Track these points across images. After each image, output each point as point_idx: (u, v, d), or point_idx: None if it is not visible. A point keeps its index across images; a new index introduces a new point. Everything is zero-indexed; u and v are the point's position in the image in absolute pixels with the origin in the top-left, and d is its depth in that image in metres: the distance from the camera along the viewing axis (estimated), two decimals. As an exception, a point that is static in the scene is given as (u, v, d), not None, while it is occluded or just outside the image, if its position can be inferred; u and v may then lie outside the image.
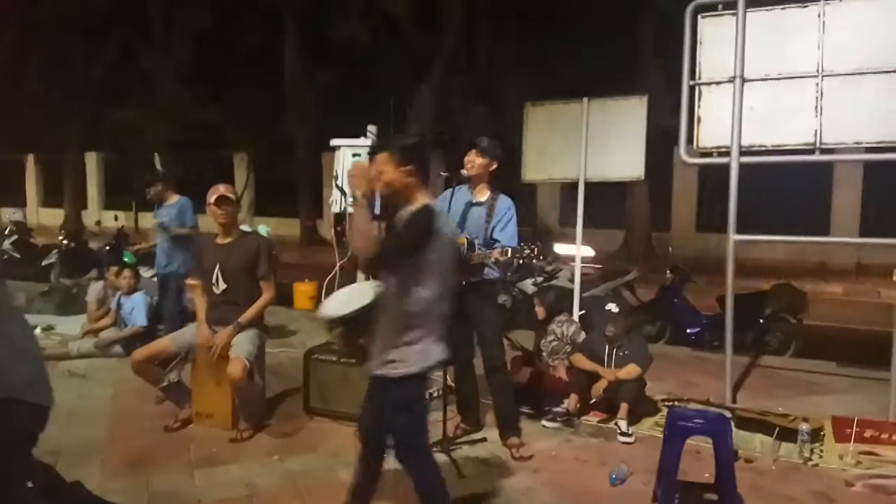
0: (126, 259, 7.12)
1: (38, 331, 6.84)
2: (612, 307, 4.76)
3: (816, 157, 4.76)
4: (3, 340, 2.13)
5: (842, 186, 14.12)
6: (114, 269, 6.75)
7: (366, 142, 5.22)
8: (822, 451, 4.13)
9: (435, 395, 4.97)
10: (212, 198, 4.39)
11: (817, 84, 4.68)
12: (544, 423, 4.62)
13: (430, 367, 2.82)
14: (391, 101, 7.43)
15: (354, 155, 5.20)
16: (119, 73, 19.15)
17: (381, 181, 2.78)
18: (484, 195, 4.21)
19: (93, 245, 11.37)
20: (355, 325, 3.41)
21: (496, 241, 4.06)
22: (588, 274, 6.67)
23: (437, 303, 2.77)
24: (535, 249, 3.85)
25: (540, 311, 5.38)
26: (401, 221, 2.78)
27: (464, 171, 4.15)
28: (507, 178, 4.48)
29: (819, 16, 4.67)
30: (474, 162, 4.14)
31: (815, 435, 4.19)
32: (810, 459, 4.00)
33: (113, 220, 18.96)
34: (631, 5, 13.87)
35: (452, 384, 4.45)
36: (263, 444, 4.29)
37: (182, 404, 4.55)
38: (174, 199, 5.92)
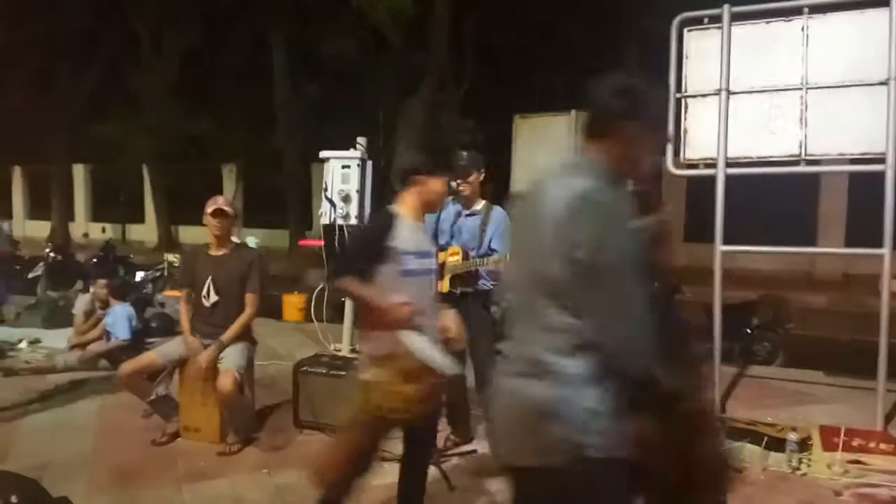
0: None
1: (24, 344, 6.79)
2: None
3: (801, 168, 4.81)
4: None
5: (828, 197, 14.26)
6: (101, 281, 6.71)
7: (355, 154, 5.22)
8: (810, 460, 4.14)
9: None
10: (209, 209, 4.39)
11: (802, 96, 4.73)
12: (534, 434, 4.61)
13: None
14: (380, 114, 7.46)
15: (344, 167, 5.20)
16: (107, 85, 19.09)
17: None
18: (478, 205, 4.25)
19: (80, 257, 11.30)
20: None
21: (494, 250, 4.09)
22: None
23: None
24: None
25: (529, 323, 5.38)
26: None
27: (452, 184, 4.17)
28: (496, 190, 4.52)
29: (803, 29, 4.73)
30: (462, 185, 4.19)
31: (804, 444, 4.21)
32: (798, 469, 4.01)
33: (101, 232, 18.92)
34: (617, 19, 14.01)
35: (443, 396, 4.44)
36: (252, 458, 4.26)
37: (170, 418, 4.51)
38: None
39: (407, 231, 2.88)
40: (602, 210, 1.70)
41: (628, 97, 1.84)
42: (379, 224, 2.90)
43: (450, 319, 3.10)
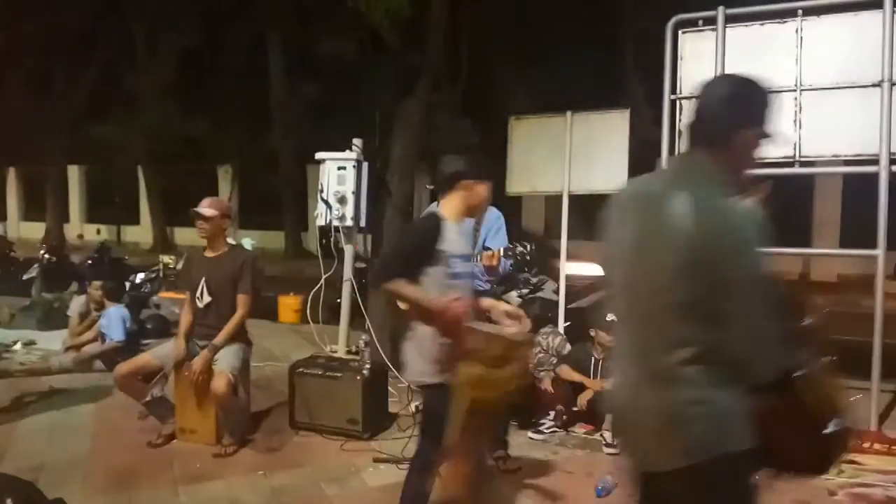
0: None
1: (18, 346, 6.77)
2: (613, 316, 4.78)
3: (796, 169, 4.83)
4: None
5: (822, 199, 14.32)
6: (95, 283, 6.70)
7: (351, 155, 5.22)
8: (804, 460, 4.15)
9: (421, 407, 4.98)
10: None
11: (796, 98, 4.76)
12: (531, 435, 4.63)
13: None
14: (376, 115, 7.46)
15: (340, 168, 5.20)
16: (103, 86, 19.05)
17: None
18: None
19: (75, 259, 11.28)
20: None
21: (488, 249, 4.08)
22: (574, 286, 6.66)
23: None
24: (528, 247, 3.85)
25: (525, 323, 5.39)
26: None
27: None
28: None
29: (797, 31, 4.76)
30: None
31: (798, 445, 4.22)
32: (793, 469, 4.02)
33: (95, 233, 18.88)
34: (613, 21, 14.04)
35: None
36: (248, 460, 4.26)
37: (165, 419, 4.50)
38: None
39: (453, 234, 2.89)
40: (733, 223, 1.74)
41: (745, 104, 1.85)
42: (428, 227, 2.90)
43: (489, 302, 3.14)
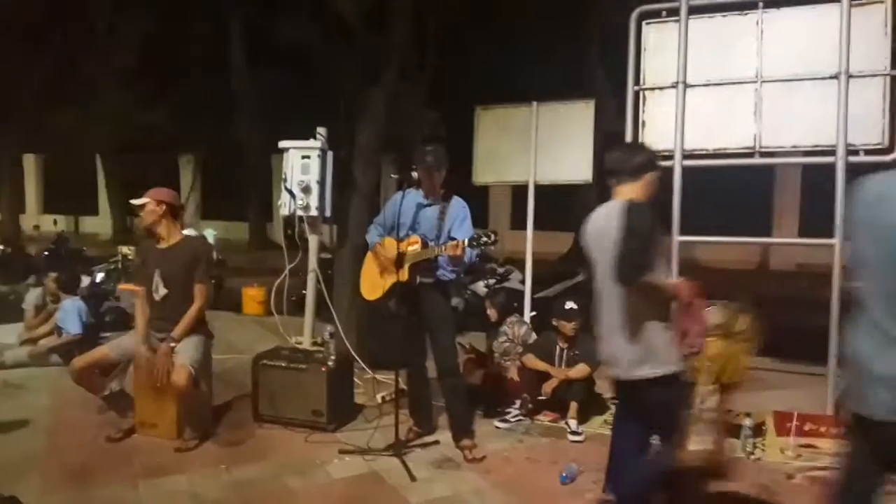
0: None
1: (-30, 340, 6.56)
2: (571, 304, 4.82)
3: (756, 160, 4.91)
4: None
5: (782, 189, 14.62)
6: (51, 275, 6.53)
7: (315, 144, 5.14)
8: (764, 445, 4.25)
9: (387, 398, 4.96)
10: None
11: (756, 89, 4.83)
12: (497, 424, 4.64)
13: None
14: (341, 104, 7.37)
15: (304, 157, 5.12)
16: (60, 73, 18.47)
17: None
18: (438, 196, 4.24)
19: (31, 250, 10.99)
20: None
21: (453, 239, 4.06)
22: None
23: None
24: (493, 236, 3.85)
25: (492, 313, 5.41)
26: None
27: (414, 174, 4.14)
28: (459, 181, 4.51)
29: (758, 24, 4.83)
30: (433, 177, 4.18)
31: (758, 430, 4.31)
32: (753, 454, 4.11)
33: (52, 224, 18.38)
34: (579, 12, 14.08)
35: (405, 387, 4.43)
36: (210, 454, 4.19)
37: (124, 414, 4.41)
38: None
39: None
40: None
41: None
42: (655, 218, 2.90)
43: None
